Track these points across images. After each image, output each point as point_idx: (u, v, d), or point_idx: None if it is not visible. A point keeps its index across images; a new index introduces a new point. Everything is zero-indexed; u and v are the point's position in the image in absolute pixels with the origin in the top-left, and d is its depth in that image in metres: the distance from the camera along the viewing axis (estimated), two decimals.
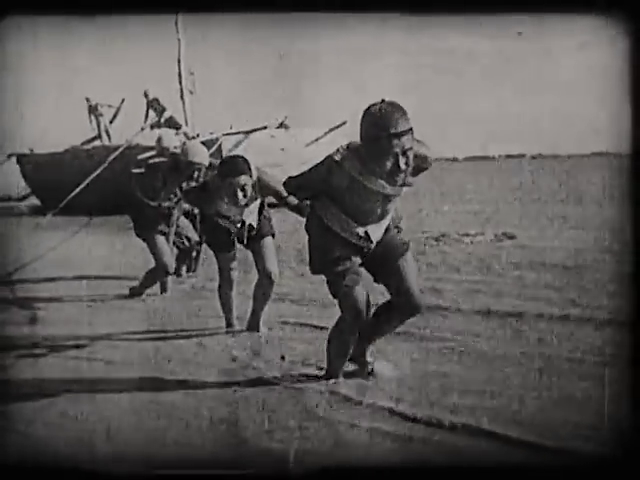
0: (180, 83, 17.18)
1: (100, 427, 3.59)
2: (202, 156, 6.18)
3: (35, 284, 7.51)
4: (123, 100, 18.60)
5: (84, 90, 18.50)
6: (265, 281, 5.17)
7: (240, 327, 5.35)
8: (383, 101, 3.63)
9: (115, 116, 18.73)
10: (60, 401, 3.96)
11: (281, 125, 17.23)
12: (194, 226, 7.17)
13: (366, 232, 3.87)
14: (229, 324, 5.41)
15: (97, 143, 18.51)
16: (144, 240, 6.64)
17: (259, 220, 5.18)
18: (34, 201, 19.31)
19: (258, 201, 5.14)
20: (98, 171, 14.54)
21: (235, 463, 3.22)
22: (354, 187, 3.75)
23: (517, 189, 19.91)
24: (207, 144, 15.47)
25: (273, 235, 5.26)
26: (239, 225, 5.14)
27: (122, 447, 3.39)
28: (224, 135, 16.36)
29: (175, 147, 6.64)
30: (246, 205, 5.02)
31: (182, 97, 17.22)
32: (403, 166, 3.62)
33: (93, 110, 18.57)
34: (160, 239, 6.54)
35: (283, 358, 4.58)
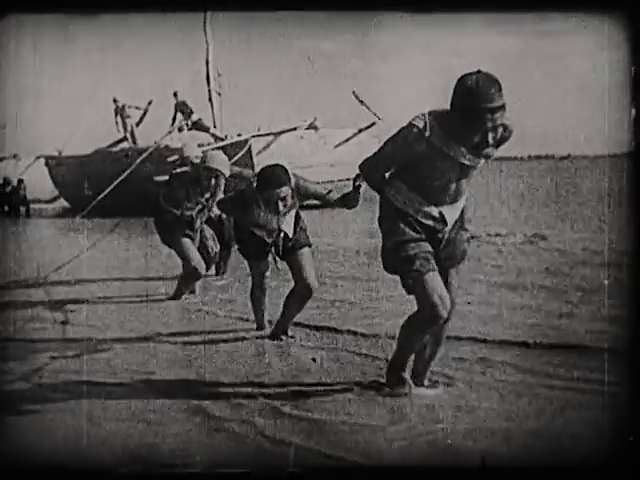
0: (208, 85, 17.20)
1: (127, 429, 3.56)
2: (222, 165, 6.09)
3: (68, 286, 7.50)
4: (150, 102, 18.54)
5: (107, 91, 18.49)
6: (303, 292, 5.06)
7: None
8: (479, 72, 3.47)
9: (142, 118, 18.72)
10: (97, 401, 3.94)
11: (310, 126, 17.14)
12: (221, 233, 7.12)
13: (440, 213, 3.69)
14: (260, 327, 5.38)
15: (124, 145, 18.54)
16: (170, 247, 6.65)
17: (295, 231, 5.09)
18: (63, 203, 19.40)
19: (294, 211, 5.06)
20: (125, 174, 14.60)
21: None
22: (433, 155, 3.57)
23: (546, 190, 19.69)
24: (236, 146, 15.57)
25: (309, 246, 5.17)
26: (275, 234, 5.08)
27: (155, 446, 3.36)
28: (253, 137, 16.32)
29: (196, 157, 6.59)
30: (284, 214, 4.95)
31: (210, 99, 17.24)
32: (491, 141, 3.50)
33: (120, 111, 18.55)
34: (186, 242, 6.52)
35: (314, 360, 4.54)
